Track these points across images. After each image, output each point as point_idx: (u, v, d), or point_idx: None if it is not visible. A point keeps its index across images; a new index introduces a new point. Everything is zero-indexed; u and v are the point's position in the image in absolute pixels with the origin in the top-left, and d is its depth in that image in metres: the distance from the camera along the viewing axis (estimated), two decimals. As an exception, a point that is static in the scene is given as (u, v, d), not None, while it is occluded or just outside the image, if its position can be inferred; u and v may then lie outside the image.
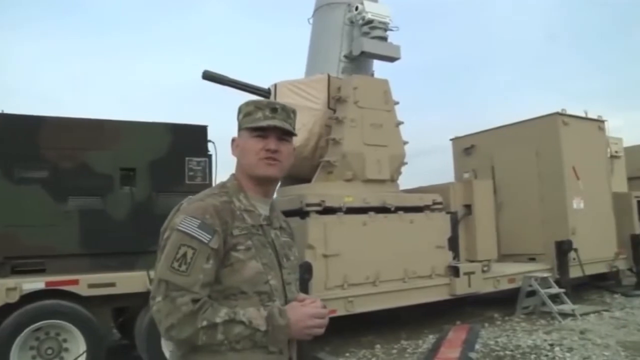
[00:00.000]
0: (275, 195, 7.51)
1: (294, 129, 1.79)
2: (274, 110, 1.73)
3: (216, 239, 1.58)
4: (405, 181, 8.58)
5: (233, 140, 1.82)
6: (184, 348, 1.58)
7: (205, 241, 1.56)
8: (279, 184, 8.24)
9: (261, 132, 1.71)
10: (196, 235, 1.56)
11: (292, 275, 1.80)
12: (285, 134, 1.75)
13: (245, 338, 1.54)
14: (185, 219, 1.59)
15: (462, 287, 7.51)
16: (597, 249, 9.36)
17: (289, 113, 1.78)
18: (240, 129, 1.78)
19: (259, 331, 1.55)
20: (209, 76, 7.25)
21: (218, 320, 1.51)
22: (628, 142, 12.05)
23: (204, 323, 1.50)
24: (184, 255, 1.55)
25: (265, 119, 1.71)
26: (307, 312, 1.64)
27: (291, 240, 1.90)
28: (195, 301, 1.51)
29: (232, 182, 1.78)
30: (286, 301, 1.71)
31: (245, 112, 1.75)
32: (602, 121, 10.21)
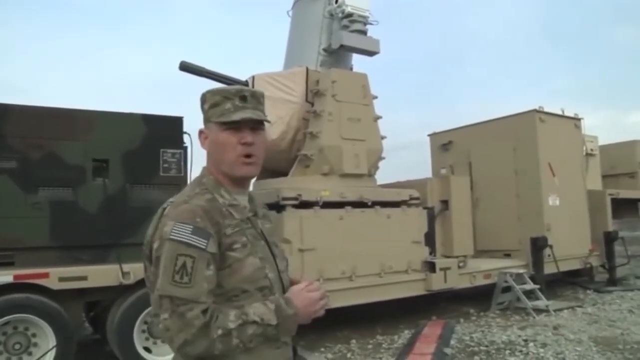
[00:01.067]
0: (251, 188, 7.45)
1: (264, 113, 1.69)
2: (243, 98, 1.62)
3: (212, 243, 1.50)
4: (384, 175, 8.59)
5: (201, 132, 1.71)
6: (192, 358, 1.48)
7: (203, 247, 1.47)
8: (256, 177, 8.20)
9: (234, 124, 1.60)
10: (192, 242, 1.46)
11: (283, 262, 1.76)
12: (259, 122, 1.66)
13: (258, 336, 1.49)
14: (175, 226, 1.49)
15: (438, 283, 7.52)
16: (572, 246, 9.48)
17: (259, 99, 1.67)
18: (207, 121, 1.66)
19: (270, 326, 1.50)
20: (185, 67, 7.12)
21: (231, 325, 1.44)
22: (610, 139, 12.30)
23: (219, 332, 1.42)
24: (184, 265, 1.45)
25: (236, 109, 1.60)
26: (312, 297, 1.61)
27: (272, 226, 1.85)
28: (205, 312, 1.43)
29: (209, 177, 1.67)
30: (283, 290, 1.67)
31: (211, 103, 1.63)
32: (579, 119, 10.31)
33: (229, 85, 7.32)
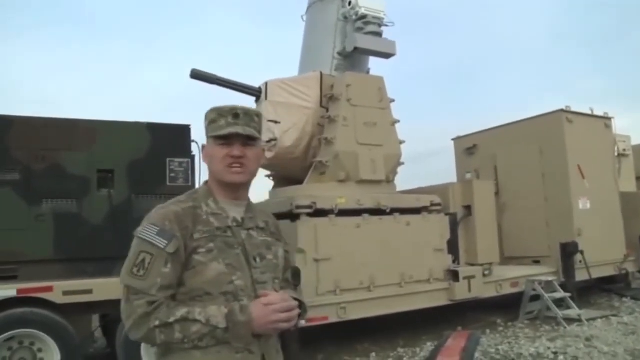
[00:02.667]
0: (267, 197, 7.20)
1: (259, 131, 1.83)
2: (235, 116, 1.77)
3: (174, 244, 1.66)
4: (415, 182, 8.38)
5: (203, 147, 1.89)
6: (161, 349, 1.68)
7: (162, 246, 1.65)
8: (273, 185, 8.03)
9: (225, 139, 1.76)
10: (153, 242, 1.65)
11: (268, 274, 1.82)
12: (250, 139, 1.79)
13: (206, 336, 1.60)
14: (146, 226, 1.70)
15: (461, 292, 7.20)
16: (605, 251, 9.01)
17: (252, 117, 1.81)
18: (207, 136, 1.83)
19: (219, 328, 1.60)
20: (197, 75, 7.00)
21: (172, 319, 1.59)
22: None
23: (157, 322, 1.59)
24: (143, 261, 1.64)
25: (228, 125, 1.75)
26: (269, 308, 1.66)
27: (273, 239, 1.93)
28: (150, 303, 1.60)
29: (203, 188, 1.88)
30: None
31: (209, 120, 1.80)
32: (609, 118, 9.86)
33: (249, 95, 7.29)
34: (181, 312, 1.60)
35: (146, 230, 1.69)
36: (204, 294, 1.67)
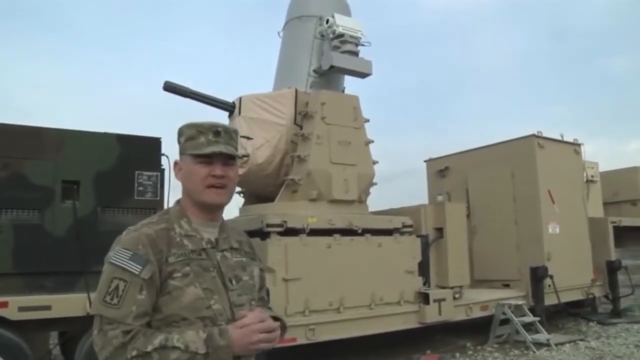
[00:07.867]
0: (237, 214, 7.01)
1: (237, 149, 1.80)
2: (216, 133, 1.73)
3: (148, 269, 1.60)
4: (387, 202, 8.30)
5: (175, 163, 1.82)
6: None
7: (136, 272, 1.58)
8: (243, 201, 7.88)
9: (206, 157, 1.71)
10: (127, 268, 1.58)
11: (245, 296, 1.77)
12: (230, 158, 1.75)
13: None
14: (118, 251, 1.62)
15: (432, 315, 7.12)
16: (573, 276, 9.09)
17: (231, 135, 1.77)
18: (182, 153, 1.77)
19: (199, 354, 1.53)
20: (170, 87, 6.87)
21: (150, 348, 1.51)
22: (611, 167, 12.03)
23: (134, 353, 1.50)
24: (116, 288, 1.57)
25: (209, 143, 1.71)
26: (250, 328, 1.62)
27: (249, 259, 1.88)
28: (126, 333, 1.53)
29: (175, 208, 1.80)
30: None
31: (187, 136, 1.75)
32: (579, 145, 10.01)
33: (222, 109, 7.17)
34: (158, 339, 1.54)
35: (118, 256, 1.61)
36: (180, 319, 1.62)
